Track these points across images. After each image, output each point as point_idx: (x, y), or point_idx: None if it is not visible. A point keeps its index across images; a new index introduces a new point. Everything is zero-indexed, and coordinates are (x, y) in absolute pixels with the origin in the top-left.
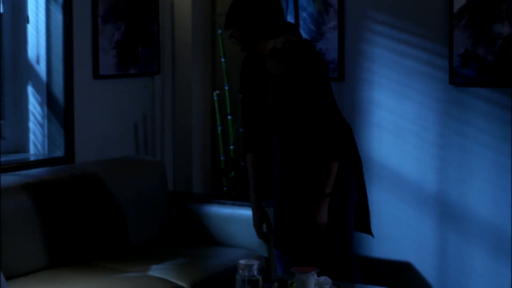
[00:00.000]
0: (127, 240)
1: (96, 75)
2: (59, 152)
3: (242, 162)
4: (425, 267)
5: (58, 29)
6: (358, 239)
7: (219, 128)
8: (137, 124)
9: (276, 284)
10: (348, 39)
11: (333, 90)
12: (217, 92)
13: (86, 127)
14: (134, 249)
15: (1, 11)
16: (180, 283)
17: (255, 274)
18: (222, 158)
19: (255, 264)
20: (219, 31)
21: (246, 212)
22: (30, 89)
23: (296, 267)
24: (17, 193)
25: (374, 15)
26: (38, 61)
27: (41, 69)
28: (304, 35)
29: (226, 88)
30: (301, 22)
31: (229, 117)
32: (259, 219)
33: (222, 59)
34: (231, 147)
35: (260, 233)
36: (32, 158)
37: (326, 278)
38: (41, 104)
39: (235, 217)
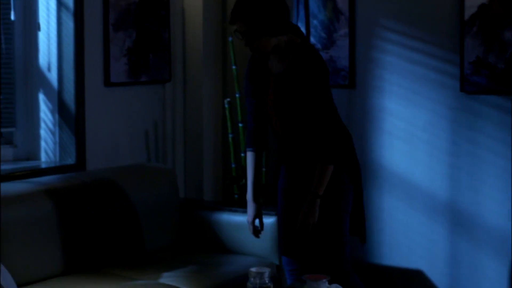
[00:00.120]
0: (139, 247)
1: (107, 82)
2: (71, 160)
3: None
4: (437, 275)
5: (69, 37)
6: (369, 247)
7: (230, 135)
8: (148, 132)
9: None
10: (359, 47)
11: (344, 98)
12: (228, 99)
13: (98, 134)
14: (146, 256)
15: (13, 18)
16: None
17: (266, 281)
18: (233, 165)
19: (267, 271)
20: (230, 39)
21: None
22: (41, 97)
23: (307, 274)
24: (29, 201)
25: (385, 22)
26: (49, 69)
27: (53, 76)
28: (315, 42)
29: (237, 95)
30: (312, 30)
31: (240, 125)
32: (253, 214)
33: (233, 67)
34: (242, 154)
35: (253, 228)
36: (43, 166)
37: (338, 286)
38: (52, 112)
39: (246, 224)
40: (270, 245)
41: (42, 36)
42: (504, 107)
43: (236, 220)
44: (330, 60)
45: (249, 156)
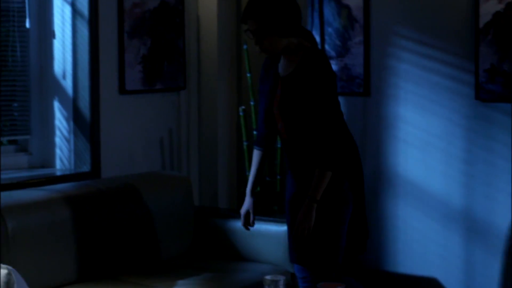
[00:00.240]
0: (154, 255)
1: (122, 90)
2: (85, 167)
3: (267, 177)
4: (452, 283)
5: (84, 44)
6: (384, 255)
7: (245, 143)
8: (163, 139)
9: None
10: (374, 54)
11: (359, 106)
12: (243, 107)
13: (112, 142)
14: (161, 264)
15: (28, 26)
16: None
17: None
18: (247, 173)
19: (281, 279)
20: (245, 46)
21: (272, 227)
22: (56, 104)
23: (321, 282)
24: (46, 208)
25: (400, 30)
26: (64, 76)
27: (67, 84)
28: (329, 50)
29: (252, 103)
30: (326, 38)
31: (255, 132)
32: (246, 207)
33: (248, 74)
34: None
35: (243, 220)
36: (58, 173)
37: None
38: (67, 119)
39: (261, 232)
40: (285, 253)
41: (57, 44)
42: None
43: (251, 228)
44: (345, 67)
45: (255, 153)
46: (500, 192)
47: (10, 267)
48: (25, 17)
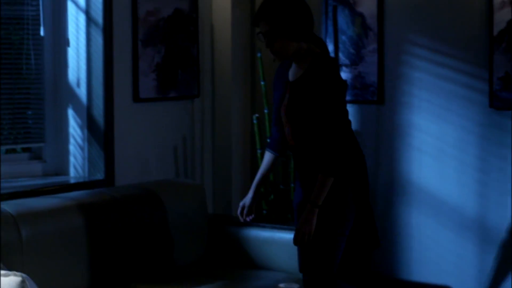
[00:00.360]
0: (168, 262)
1: (136, 98)
2: (99, 175)
3: (281, 185)
4: None
5: (99, 53)
6: (398, 263)
7: (258, 151)
8: (176, 147)
9: None
10: (388, 62)
11: (373, 114)
12: (257, 115)
13: (126, 150)
14: (174, 271)
15: (42, 34)
16: None
17: None
18: None
19: (295, 287)
20: (259, 54)
21: (286, 235)
22: (70, 112)
23: None
24: (59, 215)
25: (414, 38)
26: (78, 84)
27: (82, 92)
28: (343, 58)
29: (266, 111)
30: (340, 46)
31: (268, 140)
32: (245, 200)
33: (262, 82)
34: None
35: (239, 209)
36: (72, 181)
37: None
38: (81, 127)
39: (275, 240)
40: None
41: (71, 52)
42: None
43: (265, 236)
44: (359, 76)
45: (267, 154)
46: None
47: (24, 275)
48: (39, 25)
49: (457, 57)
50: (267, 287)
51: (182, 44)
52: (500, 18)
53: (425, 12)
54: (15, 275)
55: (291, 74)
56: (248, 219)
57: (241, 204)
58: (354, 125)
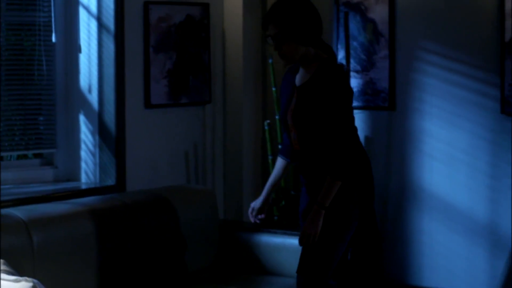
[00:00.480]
0: (179, 269)
1: (148, 104)
2: (111, 181)
3: (292, 191)
4: None
5: (110, 59)
6: (409, 269)
7: (270, 157)
8: (188, 153)
9: None
10: (399, 69)
11: (384, 120)
12: (268, 121)
13: (138, 156)
14: (185, 277)
15: (54, 40)
16: None
17: None
18: None
19: None
20: (270, 61)
21: (297, 241)
22: (82, 118)
23: None
24: (70, 221)
25: (425, 44)
26: (90, 90)
27: (93, 98)
28: (355, 64)
29: (277, 117)
30: (352, 52)
31: (280, 146)
32: (257, 201)
33: (273, 88)
34: None
35: (251, 210)
36: (83, 187)
37: None
38: (92, 133)
39: (286, 246)
40: None
41: (83, 58)
42: None
43: (276, 242)
44: (370, 82)
45: (278, 161)
46: None
47: (35, 280)
48: (51, 31)
49: (469, 63)
50: None
51: (194, 50)
52: None
53: (437, 18)
54: (26, 280)
55: (298, 79)
56: (258, 218)
57: (251, 204)
58: (365, 131)
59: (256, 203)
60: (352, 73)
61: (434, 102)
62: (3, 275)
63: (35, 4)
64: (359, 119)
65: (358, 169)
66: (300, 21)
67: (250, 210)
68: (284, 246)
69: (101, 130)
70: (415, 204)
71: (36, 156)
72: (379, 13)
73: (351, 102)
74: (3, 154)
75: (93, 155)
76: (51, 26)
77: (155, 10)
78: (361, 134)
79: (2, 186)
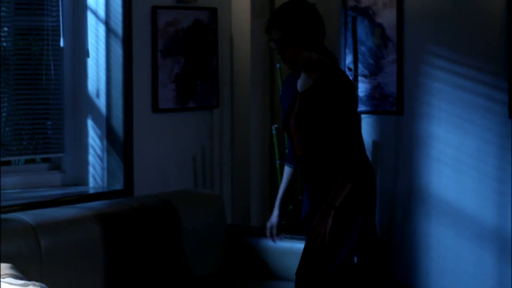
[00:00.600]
0: (185, 273)
1: (156, 109)
2: (118, 185)
3: (300, 196)
4: None
5: (118, 63)
6: (417, 274)
7: (277, 161)
8: (195, 158)
9: None
10: (407, 73)
11: (392, 124)
12: (276, 125)
13: (145, 160)
14: (192, 282)
15: (62, 45)
16: None
17: None
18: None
19: None
20: (278, 65)
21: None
22: (90, 123)
23: None
24: (77, 226)
25: (433, 49)
26: (98, 95)
27: (101, 102)
28: (363, 69)
29: None
30: (359, 56)
31: (287, 151)
32: (272, 220)
33: (281, 93)
34: None
35: (268, 232)
36: (91, 191)
37: None
38: (100, 138)
39: (294, 250)
40: None
41: (91, 62)
42: None
43: (283, 246)
44: (378, 86)
45: (286, 170)
46: None
47: (43, 284)
48: (59, 36)
49: (477, 68)
50: None
51: (202, 55)
52: None
53: (445, 23)
54: (34, 285)
55: (300, 84)
56: (280, 238)
57: (268, 225)
58: (373, 136)
59: (273, 221)
60: (360, 78)
61: (442, 106)
62: (11, 280)
63: (43, 8)
64: (367, 123)
65: (364, 175)
66: (304, 25)
67: (268, 230)
68: (291, 250)
69: (109, 134)
70: (422, 208)
71: (44, 160)
72: (387, 17)
73: (357, 107)
74: (11, 158)
75: (101, 159)
76: (59, 30)
77: (163, 15)
78: (369, 138)
79: (10, 191)
